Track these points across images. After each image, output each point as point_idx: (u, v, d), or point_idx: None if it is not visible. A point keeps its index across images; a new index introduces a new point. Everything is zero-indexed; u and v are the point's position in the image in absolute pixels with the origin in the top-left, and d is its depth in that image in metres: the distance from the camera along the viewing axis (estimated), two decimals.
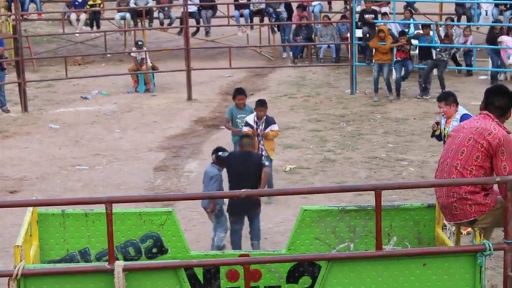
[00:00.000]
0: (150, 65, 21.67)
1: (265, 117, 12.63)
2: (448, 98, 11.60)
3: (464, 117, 10.61)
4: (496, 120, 6.90)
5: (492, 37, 21.35)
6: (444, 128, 11.55)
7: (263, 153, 12.52)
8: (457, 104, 11.57)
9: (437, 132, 11.77)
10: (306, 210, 7.20)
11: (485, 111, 6.99)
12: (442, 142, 11.40)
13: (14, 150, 15.88)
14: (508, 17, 23.48)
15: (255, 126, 12.58)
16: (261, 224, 10.55)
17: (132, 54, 22.20)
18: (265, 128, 12.58)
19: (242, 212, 10.33)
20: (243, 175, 10.12)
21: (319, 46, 24.96)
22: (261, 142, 12.57)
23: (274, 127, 12.72)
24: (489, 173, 6.73)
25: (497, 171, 6.69)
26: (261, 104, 12.73)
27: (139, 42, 22.01)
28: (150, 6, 25.65)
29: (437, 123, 11.84)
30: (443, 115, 11.68)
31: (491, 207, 6.69)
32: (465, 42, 21.94)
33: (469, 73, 21.98)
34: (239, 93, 13.45)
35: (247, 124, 12.65)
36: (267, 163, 10.69)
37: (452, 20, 22.42)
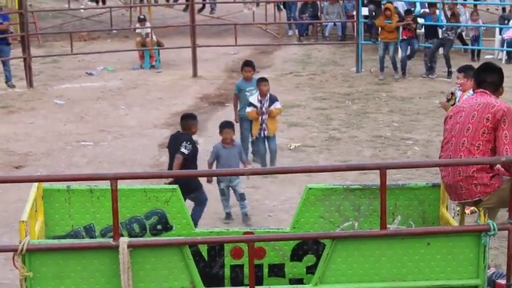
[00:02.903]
0: (155, 40, 21.66)
1: (269, 95, 12.67)
2: (467, 71, 11.47)
3: None
4: (493, 96, 6.93)
5: None
6: (458, 101, 11.41)
7: (265, 132, 12.60)
8: None
9: (451, 103, 11.59)
10: (311, 188, 7.19)
11: (480, 89, 7.01)
12: None
13: (19, 126, 15.88)
14: None
15: (259, 105, 12.61)
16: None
17: (137, 30, 22.19)
18: (269, 106, 12.63)
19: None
20: (172, 156, 10.08)
21: (325, 24, 24.90)
22: (264, 121, 12.61)
23: (277, 105, 12.76)
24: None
25: (498, 142, 6.67)
26: (263, 79, 12.84)
27: (141, 17, 22.03)
28: None
29: (452, 94, 11.77)
30: (459, 87, 11.61)
31: (496, 188, 6.68)
32: (474, 29, 21.85)
33: (478, 56, 21.79)
34: (246, 65, 13.55)
35: (250, 104, 12.68)
36: (183, 150, 10.27)
37: None
